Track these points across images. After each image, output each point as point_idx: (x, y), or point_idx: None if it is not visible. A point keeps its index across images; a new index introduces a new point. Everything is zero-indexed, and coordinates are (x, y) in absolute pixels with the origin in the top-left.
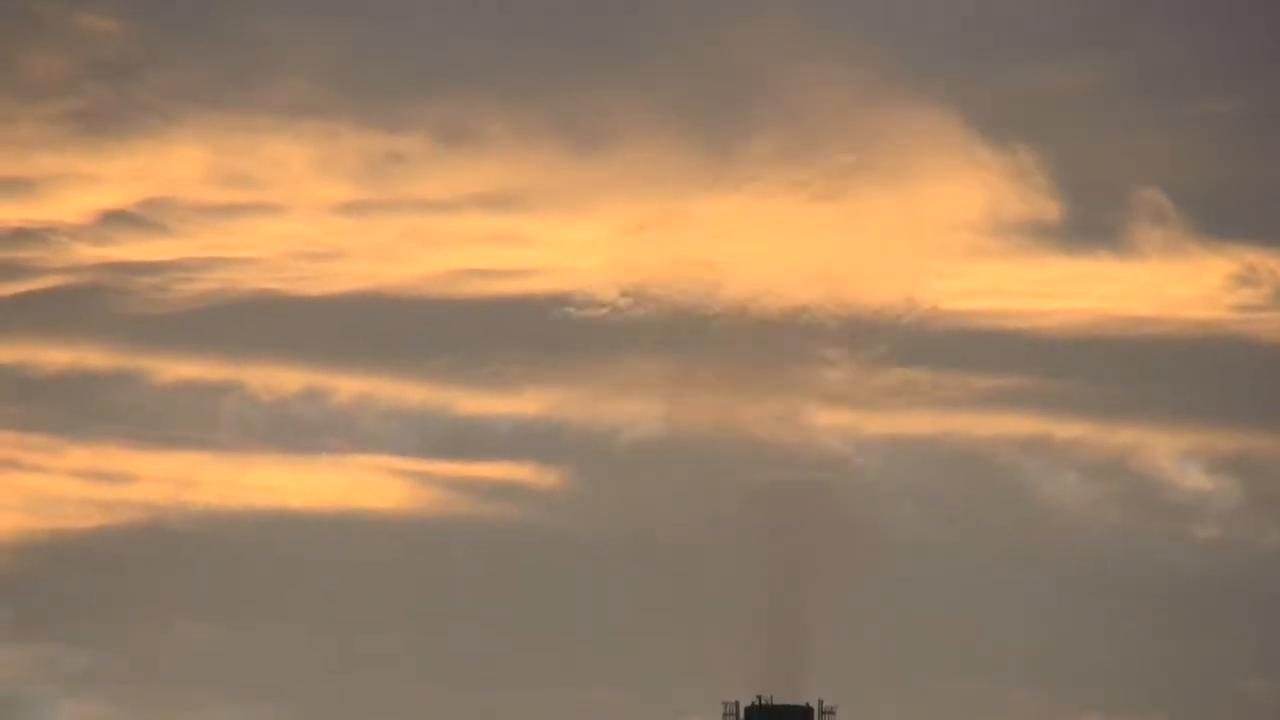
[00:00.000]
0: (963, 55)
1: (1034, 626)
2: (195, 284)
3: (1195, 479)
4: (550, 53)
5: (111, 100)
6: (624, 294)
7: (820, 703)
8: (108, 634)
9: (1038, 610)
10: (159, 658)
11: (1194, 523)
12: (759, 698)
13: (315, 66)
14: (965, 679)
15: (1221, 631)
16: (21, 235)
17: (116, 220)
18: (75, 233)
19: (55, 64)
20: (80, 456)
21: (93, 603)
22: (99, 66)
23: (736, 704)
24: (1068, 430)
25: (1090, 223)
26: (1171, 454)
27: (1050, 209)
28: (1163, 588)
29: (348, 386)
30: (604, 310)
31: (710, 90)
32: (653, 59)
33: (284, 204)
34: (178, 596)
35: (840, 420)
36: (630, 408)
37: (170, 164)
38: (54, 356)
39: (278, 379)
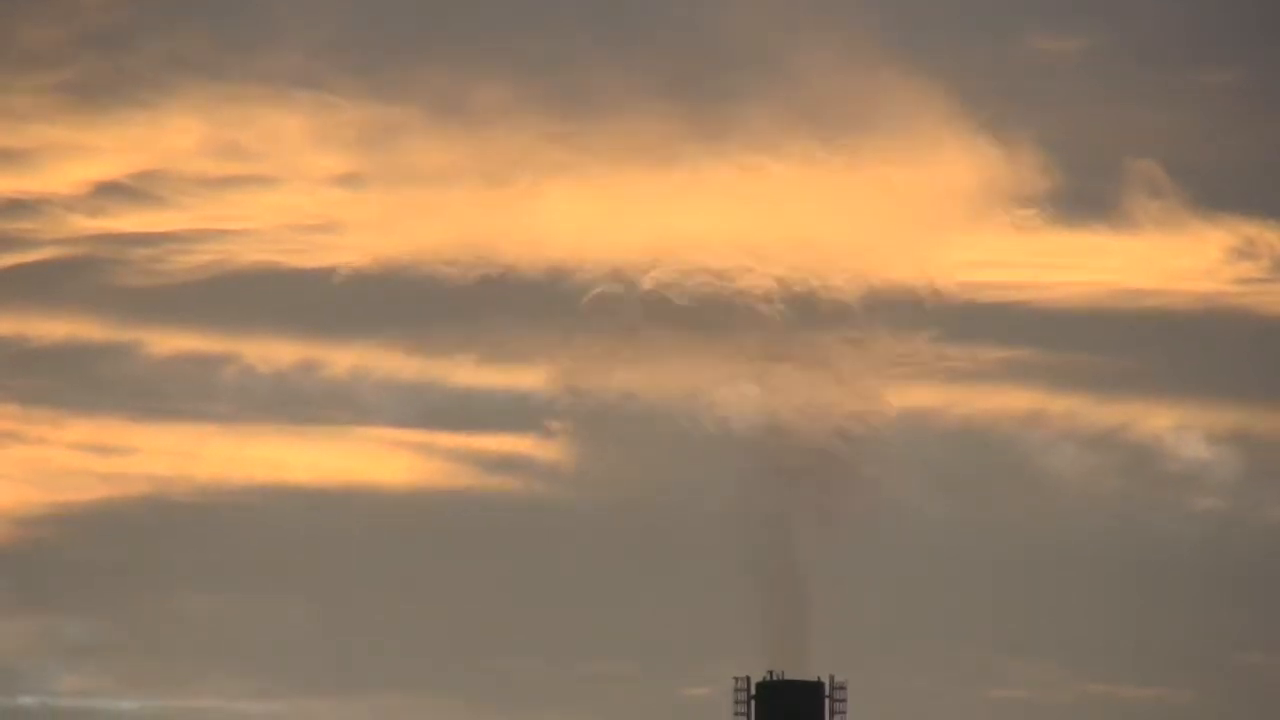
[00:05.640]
0: (959, 27)
1: (1037, 598)
2: (191, 256)
3: (1194, 451)
4: (546, 23)
5: (106, 71)
6: (621, 265)
7: (831, 678)
8: (109, 606)
9: (1041, 582)
10: (160, 630)
11: (1193, 494)
12: (770, 673)
13: (311, 37)
14: (967, 650)
15: (1221, 603)
16: (16, 207)
17: (111, 192)
18: (70, 204)
19: (49, 34)
20: (80, 429)
21: (94, 575)
22: (93, 37)
23: (748, 679)
24: (1068, 403)
25: (1087, 195)
26: (1171, 426)
27: (1047, 181)
28: (1163, 559)
29: (345, 358)
30: (602, 281)
31: (707, 62)
32: (649, 30)
33: (279, 176)
34: (179, 568)
35: (841, 393)
36: (631, 379)
37: (165, 135)
38: (50, 328)
39: (275, 351)
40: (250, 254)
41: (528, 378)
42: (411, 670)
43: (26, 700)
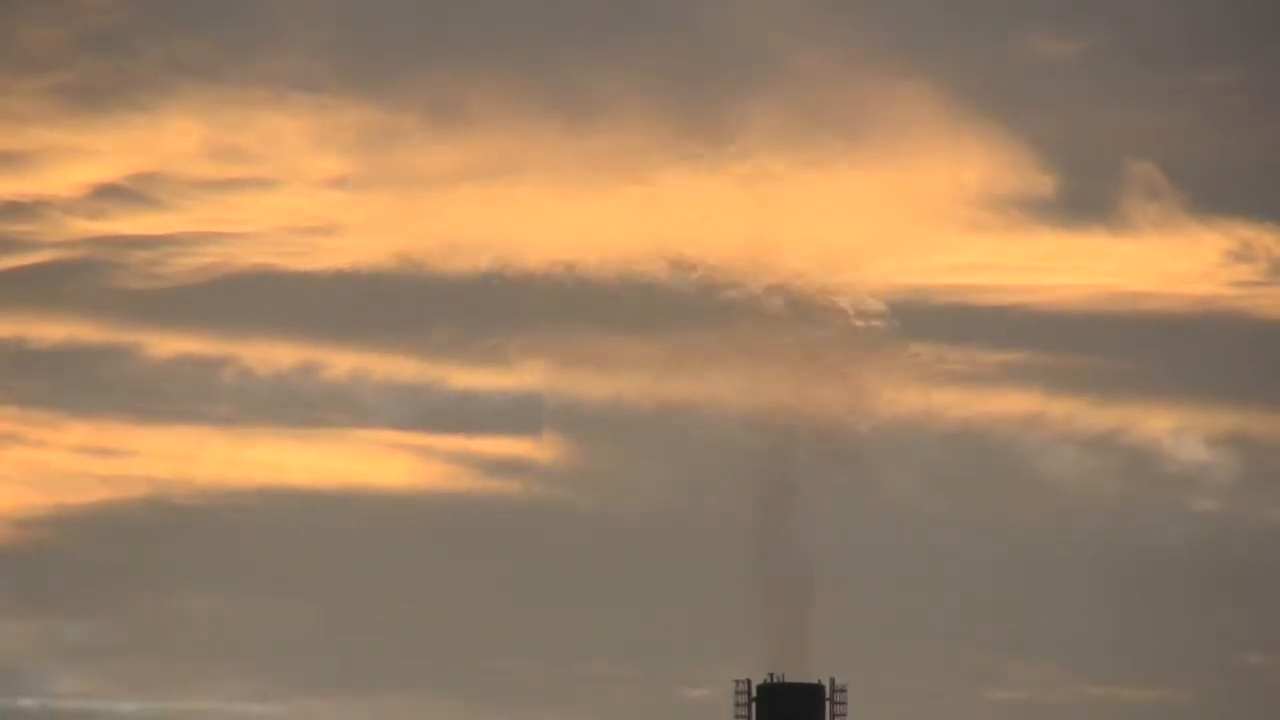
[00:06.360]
0: (957, 27)
1: (1037, 599)
2: (190, 258)
3: (1193, 453)
4: (544, 26)
5: (105, 73)
6: (619, 267)
7: (832, 680)
8: (109, 608)
9: (1041, 583)
10: (160, 631)
11: (1192, 496)
12: (770, 676)
13: (310, 40)
14: (967, 651)
15: (1220, 604)
16: (15, 209)
17: (110, 194)
18: (69, 206)
19: (49, 37)
20: (80, 431)
21: (94, 576)
22: (93, 39)
23: (749, 682)
24: (1066, 405)
25: (1085, 198)
26: (1169, 428)
27: (1045, 184)
28: (1162, 560)
29: (344, 361)
30: (600, 283)
31: (706, 63)
32: (646, 32)
33: (278, 178)
34: (179, 570)
35: (839, 394)
36: (628, 381)
37: (164, 138)
38: (50, 331)
39: (274, 353)
40: (249, 256)
41: (527, 380)
42: (411, 671)
43: (27, 702)
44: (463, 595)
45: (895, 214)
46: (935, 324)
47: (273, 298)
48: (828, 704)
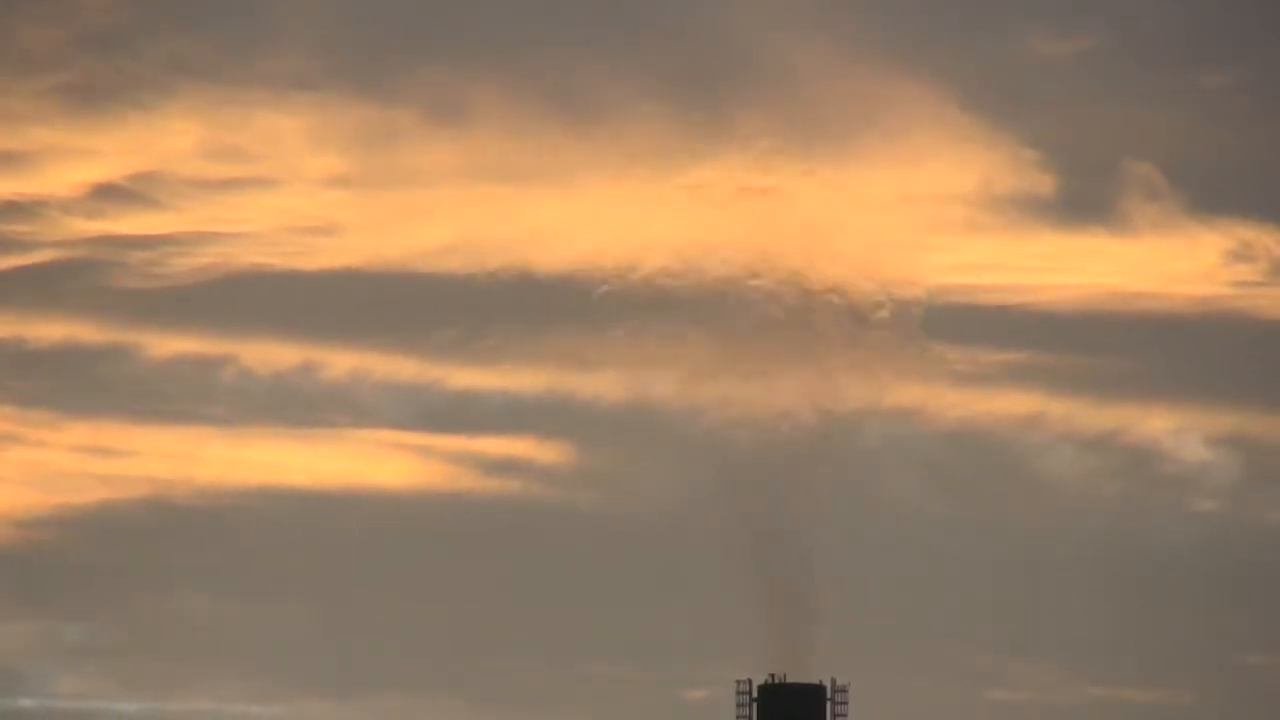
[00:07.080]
0: (957, 28)
1: (1037, 599)
2: (189, 258)
3: (1193, 453)
4: (544, 25)
5: (104, 73)
6: (618, 267)
7: (833, 680)
8: (109, 608)
9: (1041, 583)
10: (160, 632)
11: (1192, 496)
12: (771, 676)
13: (309, 40)
14: (968, 652)
15: (1221, 604)
16: (14, 209)
17: (109, 194)
18: (68, 206)
19: (49, 36)
20: (80, 431)
21: (94, 577)
22: (92, 39)
23: (750, 682)
24: (1066, 405)
25: (1085, 198)
26: (1169, 428)
27: (1045, 184)
28: (1162, 561)
29: (344, 361)
30: (599, 284)
31: (705, 63)
32: (645, 31)
33: (278, 178)
34: (178, 570)
35: (839, 394)
36: (628, 381)
37: (163, 137)
38: (49, 330)
39: (274, 353)
40: (248, 256)
41: (527, 380)
42: (411, 671)
43: (26, 702)
44: (463, 595)
45: (895, 214)
46: (935, 324)
47: (272, 297)
48: (829, 704)
